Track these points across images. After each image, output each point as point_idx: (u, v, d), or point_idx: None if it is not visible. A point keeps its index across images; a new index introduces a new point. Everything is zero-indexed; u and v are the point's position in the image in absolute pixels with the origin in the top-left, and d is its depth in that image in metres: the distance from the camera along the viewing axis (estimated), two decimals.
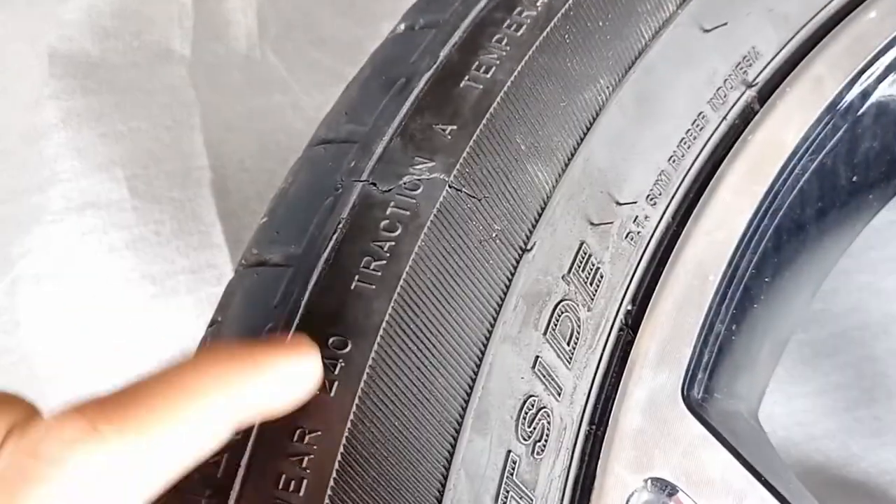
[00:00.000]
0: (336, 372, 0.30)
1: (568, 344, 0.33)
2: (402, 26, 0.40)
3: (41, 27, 0.68)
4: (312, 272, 0.32)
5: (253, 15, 0.79)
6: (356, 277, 0.31)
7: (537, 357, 0.32)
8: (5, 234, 0.64)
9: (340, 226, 0.33)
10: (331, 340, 0.31)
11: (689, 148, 0.37)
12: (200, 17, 0.76)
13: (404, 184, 0.33)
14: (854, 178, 0.42)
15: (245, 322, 0.33)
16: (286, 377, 0.29)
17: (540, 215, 0.33)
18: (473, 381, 0.31)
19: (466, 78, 0.35)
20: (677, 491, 0.32)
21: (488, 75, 0.35)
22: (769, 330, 0.40)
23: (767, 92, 0.38)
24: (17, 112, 0.66)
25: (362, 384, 0.30)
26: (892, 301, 0.69)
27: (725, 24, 0.37)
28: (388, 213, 0.33)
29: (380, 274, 0.31)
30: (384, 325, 0.31)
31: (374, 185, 0.33)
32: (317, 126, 0.84)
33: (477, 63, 0.35)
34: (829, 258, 0.45)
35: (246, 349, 0.29)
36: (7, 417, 0.27)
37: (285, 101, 0.78)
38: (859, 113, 0.40)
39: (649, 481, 0.32)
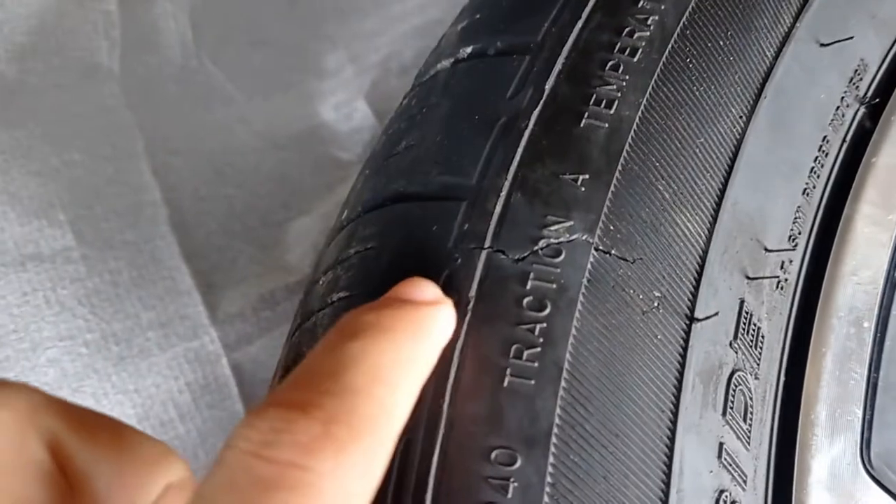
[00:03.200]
0: (509, 495, 0.24)
1: (745, 421, 0.28)
2: (468, 50, 0.34)
3: None
4: (448, 369, 0.26)
5: (185, 20, 0.70)
6: (507, 371, 0.26)
7: (721, 444, 0.27)
8: None
9: (470, 306, 0.27)
10: (493, 454, 0.25)
11: (818, 177, 0.33)
12: (127, 26, 0.66)
13: (541, 249, 0.28)
14: None
15: None
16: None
17: (700, 274, 0.29)
18: (667, 484, 0.26)
19: (586, 115, 0.30)
20: None
21: (611, 111, 0.30)
22: None
23: (878, 107, 0.35)
24: None
25: None
26: None
27: (843, 37, 0.34)
28: (528, 287, 0.27)
29: (536, 365, 0.26)
30: (555, 428, 0.25)
31: (503, 252, 0.28)
32: (267, 142, 0.74)
33: (595, 96, 0.30)
34: None
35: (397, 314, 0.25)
36: (167, 473, 0.24)
37: (230, 114, 0.69)
38: None
39: None
